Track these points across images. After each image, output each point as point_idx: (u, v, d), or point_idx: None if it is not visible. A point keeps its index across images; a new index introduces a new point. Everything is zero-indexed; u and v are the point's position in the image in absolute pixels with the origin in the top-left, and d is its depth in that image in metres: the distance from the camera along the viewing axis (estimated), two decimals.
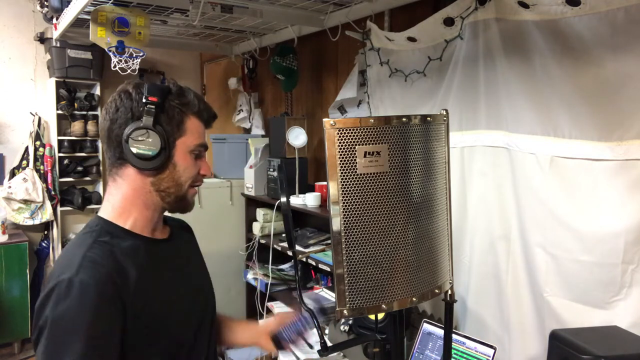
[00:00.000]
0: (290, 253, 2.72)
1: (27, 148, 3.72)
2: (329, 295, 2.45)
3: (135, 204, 1.06)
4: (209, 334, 1.18)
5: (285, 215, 1.11)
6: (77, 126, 3.79)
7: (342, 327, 2.13)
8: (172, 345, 1.05)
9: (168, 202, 1.08)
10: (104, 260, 0.96)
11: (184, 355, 1.08)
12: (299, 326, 1.27)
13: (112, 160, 1.07)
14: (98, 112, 3.88)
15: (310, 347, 1.28)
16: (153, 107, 1.00)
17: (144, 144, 1.00)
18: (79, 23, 2.68)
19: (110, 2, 2.37)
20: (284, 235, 2.90)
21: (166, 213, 1.14)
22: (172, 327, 1.05)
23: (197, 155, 1.08)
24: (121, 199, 1.06)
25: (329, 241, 0.96)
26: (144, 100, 1.00)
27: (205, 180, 1.20)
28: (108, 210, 1.06)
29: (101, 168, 3.92)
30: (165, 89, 1.03)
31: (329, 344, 1.14)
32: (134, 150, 1.00)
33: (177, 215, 1.18)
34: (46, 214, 3.65)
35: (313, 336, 1.25)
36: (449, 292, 1.06)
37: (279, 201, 2.69)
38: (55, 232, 3.75)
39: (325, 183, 1.23)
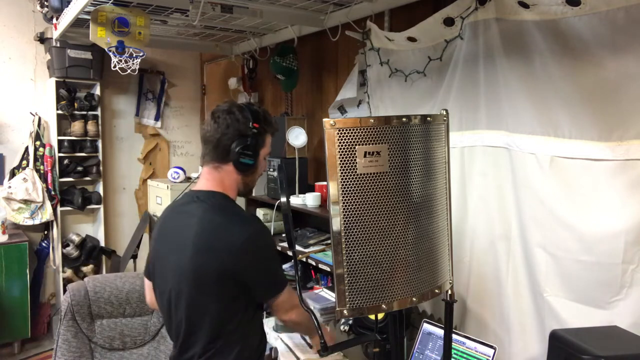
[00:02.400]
0: (290, 253, 2.73)
1: (27, 148, 3.72)
2: (329, 295, 2.45)
3: (233, 188, 1.47)
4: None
5: (285, 215, 1.12)
6: (77, 126, 3.79)
7: (342, 327, 2.13)
8: None
9: (246, 190, 1.49)
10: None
11: None
12: None
13: (217, 159, 1.44)
14: (98, 112, 3.88)
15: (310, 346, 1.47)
16: (256, 131, 1.43)
17: (247, 157, 1.42)
18: (79, 23, 2.68)
19: (110, 2, 2.36)
20: (284, 235, 2.90)
21: None
22: None
23: (266, 160, 1.51)
24: (225, 184, 1.45)
25: (329, 241, 0.96)
26: (250, 125, 1.42)
27: None
28: (221, 189, 1.45)
29: (101, 168, 3.92)
30: (261, 116, 1.46)
31: (329, 344, 1.14)
32: (241, 159, 1.42)
33: None
34: (46, 214, 3.65)
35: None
36: (449, 292, 1.06)
37: (279, 201, 2.69)
38: (55, 232, 3.75)
39: (325, 183, 1.23)
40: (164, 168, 4.38)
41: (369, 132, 0.88)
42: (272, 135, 1.52)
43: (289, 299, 1.45)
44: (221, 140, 1.41)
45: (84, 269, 3.91)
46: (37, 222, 3.63)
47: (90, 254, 3.90)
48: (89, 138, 3.85)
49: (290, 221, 1.12)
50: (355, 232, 0.88)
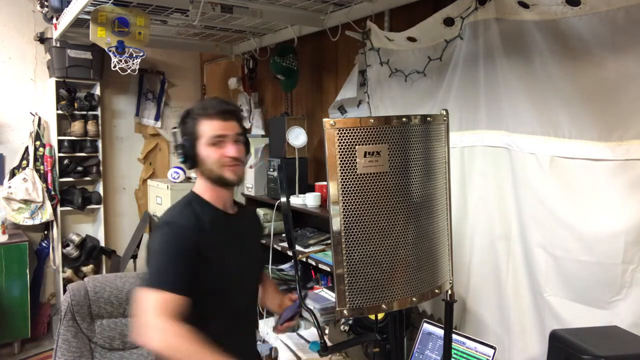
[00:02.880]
0: (290, 253, 2.73)
1: (27, 148, 3.72)
2: (329, 295, 2.45)
3: (205, 187, 1.47)
4: (252, 293, 1.58)
5: (285, 215, 1.12)
6: (77, 126, 3.79)
7: (342, 327, 2.13)
8: (224, 288, 1.41)
9: (213, 181, 1.45)
10: (189, 215, 1.40)
11: (231, 301, 1.44)
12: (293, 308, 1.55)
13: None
14: (98, 112, 3.88)
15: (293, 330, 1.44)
16: (176, 129, 1.49)
17: (180, 156, 1.46)
18: (79, 23, 2.68)
19: (110, 2, 2.36)
20: (284, 235, 2.90)
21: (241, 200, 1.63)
22: (226, 273, 1.42)
23: (215, 144, 1.41)
24: (200, 184, 1.48)
25: (329, 241, 0.96)
26: (175, 130, 1.51)
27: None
28: (197, 188, 1.49)
29: (101, 168, 3.93)
30: (185, 112, 1.47)
31: (329, 344, 1.14)
32: (179, 159, 1.48)
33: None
34: (46, 214, 3.65)
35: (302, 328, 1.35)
36: (449, 292, 1.06)
37: (279, 201, 2.69)
38: (55, 232, 3.75)
39: (325, 183, 1.23)
40: (164, 168, 4.38)
41: (369, 132, 0.88)
42: (210, 117, 1.43)
43: (144, 301, 1.24)
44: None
45: (84, 269, 3.91)
46: (37, 222, 3.63)
47: (90, 254, 3.90)
48: (89, 138, 3.85)
49: (290, 221, 1.12)
50: (355, 232, 0.88)
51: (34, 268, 3.72)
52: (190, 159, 1.45)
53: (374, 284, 0.90)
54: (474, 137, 1.90)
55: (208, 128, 1.42)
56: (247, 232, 1.59)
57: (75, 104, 3.77)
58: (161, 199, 3.68)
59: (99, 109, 3.89)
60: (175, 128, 1.55)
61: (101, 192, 3.96)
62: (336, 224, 0.88)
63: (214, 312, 1.40)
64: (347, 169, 0.87)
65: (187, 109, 1.48)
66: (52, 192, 3.69)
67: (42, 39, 3.75)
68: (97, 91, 3.89)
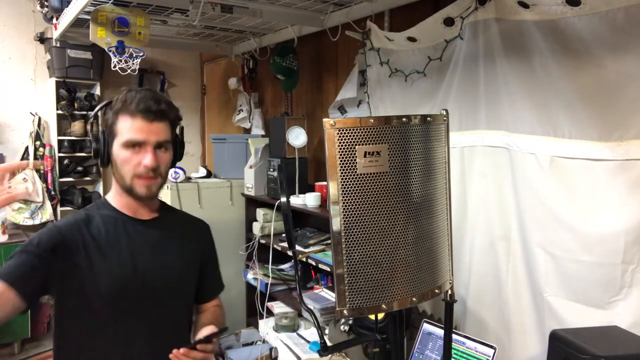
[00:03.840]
0: (290, 253, 2.73)
1: (27, 148, 3.72)
2: (329, 295, 2.45)
3: (116, 192, 1.33)
4: (151, 317, 1.29)
5: (285, 215, 1.12)
6: (77, 126, 3.79)
7: (342, 327, 2.13)
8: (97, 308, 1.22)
9: (124, 190, 1.28)
10: (76, 220, 1.27)
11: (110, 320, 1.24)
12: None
13: None
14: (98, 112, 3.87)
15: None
16: (92, 119, 1.36)
17: (95, 157, 1.29)
18: (79, 23, 2.68)
19: (110, 2, 2.37)
20: (284, 235, 2.90)
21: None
22: (105, 280, 1.23)
23: (131, 147, 1.22)
24: (112, 188, 1.35)
25: (329, 241, 0.96)
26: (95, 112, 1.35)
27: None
28: (108, 194, 1.36)
29: (101, 168, 3.92)
30: (107, 101, 1.28)
31: (329, 344, 1.14)
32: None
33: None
34: (46, 214, 3.65)
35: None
36: (449, 292, 1.06)
37: (279, 201, 2.69)
38: None
39: (325, 183, 1.23)
40: None
41: (369, 132, 0.88)
42: (130, 114, 1.22)
43: None
44: None
45: None
46: (37, 222, 3.63)
47: None
48: (89, 138, 3.85)
49: (290, 221, 1.12)
50: (355, 232, 0.88)
51: None
52: (102, 157, 1.26)
53: (374, 284, 0.90)
54: (474, 137, 1.90)
55: (126, 128, 1.22)
56: (170, 240, 1.36)
57: (75, 104, 3.77)
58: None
59: None
60: (94, 115, 1.34)
61: (101, 192, 3.96)
62: (336, 224, 0.88)
63: (74, 315, 1.23)
64: (347, 169, 0.87)
65: (112, 98, 1.27)
66: (52, 192, 3.69)
67: (42, 39, 3.75)
68: (97, 91, 3.89)
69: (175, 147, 1.33)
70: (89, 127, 3.82)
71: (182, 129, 1.38)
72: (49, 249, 1.18)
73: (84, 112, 3.81)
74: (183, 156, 1.39)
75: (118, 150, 1.23)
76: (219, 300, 1.54)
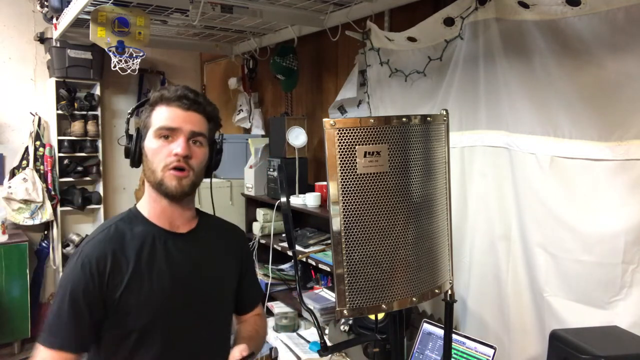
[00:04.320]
0: (290, 253, 2.72)
1: (27, 148, 3.72)
2: (329, 295, 2.45)
3: (149, 198, 1.21)
4: (196, 340, 1.20)
5: (285, 215, 1.12)
6: (77, 126, 3.78)
7: (342, 327, 2.13)
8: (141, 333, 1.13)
9: (156, 190, 1.17)
10: (109, 240, 1.14)
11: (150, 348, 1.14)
12: None
13: None
14: (98, 112, 3.88)
15: None
16: (129, 116, 1.23)
17: (127, 144, 1.19)
18: (79, 23, 2.68)
19: (110, 2, 2.36)
20: (284, 235, 2.90)
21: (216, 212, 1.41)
22: (151, 309, 1.14)
23: (165, 137, 1.14)
24: (145, 194, 1.22)
25: (329, 241, 0.96)
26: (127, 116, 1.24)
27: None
28: (140, 202, 1.24)
29: (101, 168, 3.92)
30: (143, 100, 1.21)
31: (329, 344, 1.14)
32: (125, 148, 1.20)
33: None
34: (46, 214, 3.65)
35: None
36: (449, 292, 1.06)
37: (279, 201, 2.69)
38: (55, 232, 3.75)
39: (325, 183, 1.23)
40: None
41: (369, 132, 0.88)
42: (165, 104, 1.16)
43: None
44: None
45: None
46: (37, 222, 3.63)
47: None
48: (89, 138, 3.85)
49: (291, 221, 1.11)
50: (355, 232, 0.88)
51: (34, 268, 3.72)
52: (133, 153, 1.17)
53: (374, 284, 0.90)
54: (474, 137, 1.90)
55: (160, 116, 1.14)
56: (210, 254, 1.27)
57: (75, 104, 3.77)
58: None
59: (99, 109, 3.89)
60: (129, 115, 1.25)
61: (101, 192, 3.96)
62: (336, 224, 0.88)
63: (112, 346, 1.14)
64: (347, 169, 0.87)
65: (149, 97, 1.20)
66: (52, 192, 3.69)
67: (42, 39, 3.75)
68: (97, 91, 3.89)
69: (212, 150, 1.23)
70: (89, 127, 3.82)
71: (221, 135, 1.28)
72: (81, 298, 1.09)
73: (84, 112, 3.81)
74: (219, 165, 1.30)
75: (150, 142, 1.14)
76: (260, 308, 1.45)
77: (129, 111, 1.26)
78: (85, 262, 1.10)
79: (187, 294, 1.19)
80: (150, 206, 1.20)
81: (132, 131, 1.21)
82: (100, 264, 1.10)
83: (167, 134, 1.13)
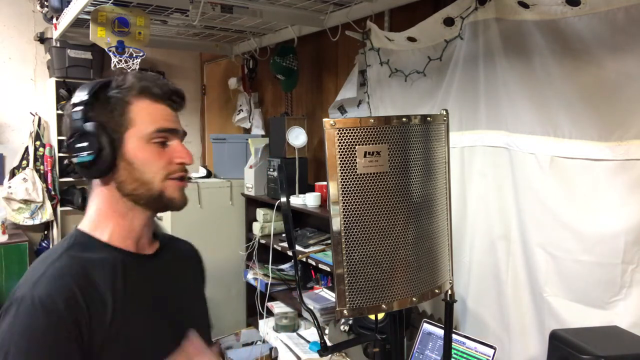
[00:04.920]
0: (290, 253, 2.73)
1: (27, 148, 3.72)
2: (329, 295, 2.45)
3: (109, 214, 0.95)
4: None
5: (285, 216, 1.11)
6: None
7: (342, 327, 2.13)
8: None
9: (144, 205, 0.95)
10: (68, 274, 0.86)
11: None
12: None
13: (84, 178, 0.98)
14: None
15: None
16: (81, 106, 0.90)
17: (81, 150, 0.90)
18: (79, 23, 2.68)
19: (110, 2, 2.37)
20: (284, 235, 2.90)
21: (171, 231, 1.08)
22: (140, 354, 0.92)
23: (162, 142, 0.94)
24: (96, 210, 0.96)
25: (329, 241, 0.96)
26: (72, 103, 0.91)
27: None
28: (85, 222, 0.97)
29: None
30: (96, 83, 0.92)
31: (329, 344, 1.14)
32: (75, 160, 0.91)
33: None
34: (46, 214, 3.65)
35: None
36: (449, 292, 1.06)
37: (279, 201, 2.69)
38: (55, 232, 3.75)
39: (325, 183, 1.23)
40: None
41: (369, 132, 0.88)
42: (153, 97, 0.94)
43: None
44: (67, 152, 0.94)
45: None
46: (37, 222, 3.63)
47: None
48: None
49: (291, 221, 1.11)
50: (355, 232, 0.88)
51: None
52: (106, 161, 0.90)
53: (374, 284, 0.90)
54: (474, 137, 1.90)
55: (150, 115, 0.92)
56: (179, 279, 1.06)
57: None
58: None
59: None
60: (76, 104, 0.92)
61: None
62: (336, 224, 0.88)
63: None
64: (347, 169, 0.87)
65: (107, 79, 0.94)
66: (52, 192, 3.69)
67: (42, 39, 3.75)
68: None
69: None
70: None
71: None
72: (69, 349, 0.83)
73: None
74: None
75: (139, 146, 0.92)
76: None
77: (84, 98, 0.91)
78: (47, 304, 0.81)
79: (172, 329, 0.98)
80: (114, 225, 0.95)
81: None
82: (71, 304, 0.83)
83: (165, 138, 0.94)
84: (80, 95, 0.91)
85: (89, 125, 0.90)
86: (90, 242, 0.94)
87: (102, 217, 0.96)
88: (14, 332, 0.81)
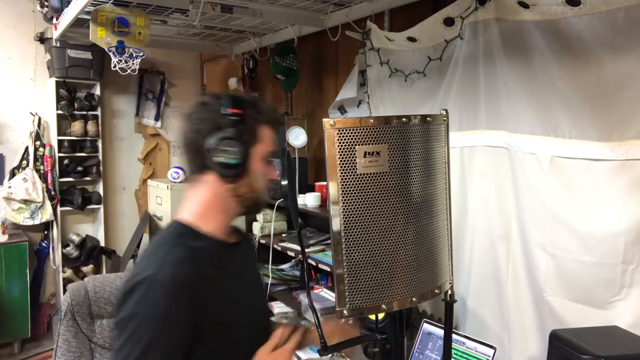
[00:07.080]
0: (290, 253, 2.72)
1: (27, 148, 3.72)
2: (329, 295, 2.45)
3: (214, 209, 1.13)
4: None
5: (285, 194, 1.14)
6: (77, 126, 3.79)
7: None
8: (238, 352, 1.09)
9: (245, 207, 1.15)
10: (187, 260, 1.03)
11: None
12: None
13: (194, 168, 1.14)
14: (98, 112, 3.88)
15: None
16: (236, 118, 1.08)
17: (228, 154, 1.07)
18: (79, 23, 2.68)
19: (110, 2, 2.37)
20: (284, 235, 2.91)
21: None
22: (241, 331, 1.11)
23: (268, 161, 1.15)
24: (200, 203, 1.13)
25: (329, 241, 0.96)
26: (227, 112, 1.08)
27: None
28: (187, 214, 1.13)
29: (101, 168, 3.93)
30: (243, 100, 1.11)
31: (329, 344, 1.14)
32: (219, 159, 1.07)
33: None
34: (46, 214, 3.65)
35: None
36: (449, 292, 1.06)
37: (279, 201, 2.69)
38: (55, 232, 3.74)
39: (325, 183, 1.23)
40: (164, 168, 4.38)
41: (369, 132, 0.88)
42: (272, 128, 1.16)
43: None
44: (196, 141, 1.09)
45: (84, 269, 3.91)
46: (37, 222, 3.63)
47: (90, 254, 3.90)
48: (89, 138, 3.85)
49: (294, 202, 1.14)
50: (355, 232, 0.88)
51: (34, 268, 3.72)
52: (239, 168, 1.08)
53: (374, 284, 0.90)
54: (474, 137, 1.90)
55: (269, 137, 1.14)
56: (251, 263, 1.32)
57: (75, 104, 3.77)
58: (161, 199, 3.69)
59: (99, 109, 3.89)
60: (234, 113, 1.08)
61: (101, 192, 3.96)
62: (336, 224, 0.88)
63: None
64: (347, 169, 0.87)
65: (251, 99, 1.14)
66: (52, 192, 3.69)
67: (42, 39, 3.75)
68: (97, 91, 3.89)
69: None
70: (89, 127, 3.82)
71: None
72: (181, 336, 1.00)
73: (84, 112, 3.81)
74: None
75: (259, 161, 1.12)
76: None
77: (240, 110, 1.09)
78: (176, 284, 0.99)
79: (256, 304, 1.23)
80: (217, 219, 1.13)
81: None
82: (193, 284, 1.01)
83: (271, 159, 1.16)
84: (235, 104, 1.09)
85: (245, 135, 1.08)
86: (193, 232, 1.10)
87: (207, 211, 1.12)
88: (145, 308, 0.98)
